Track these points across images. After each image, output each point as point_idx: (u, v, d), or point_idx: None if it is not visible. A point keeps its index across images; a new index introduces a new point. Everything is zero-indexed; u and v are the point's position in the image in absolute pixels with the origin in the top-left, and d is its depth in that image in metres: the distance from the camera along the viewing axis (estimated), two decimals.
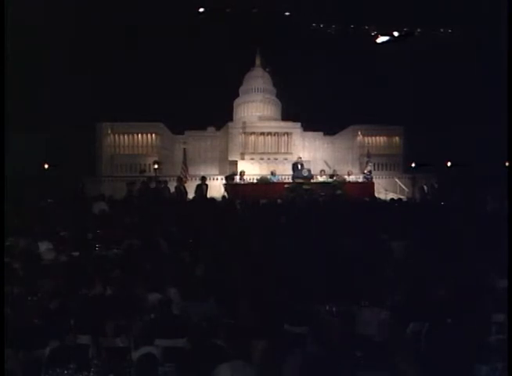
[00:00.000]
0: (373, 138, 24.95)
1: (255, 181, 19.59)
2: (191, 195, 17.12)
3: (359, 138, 24.51)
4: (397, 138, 25.22)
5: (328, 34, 25.53)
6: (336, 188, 17.89)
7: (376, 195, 19.22)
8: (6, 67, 6.71)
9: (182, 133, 24.08)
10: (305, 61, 24.42)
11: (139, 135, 22.52)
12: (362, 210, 13.04)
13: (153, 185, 16.76)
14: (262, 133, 24.11)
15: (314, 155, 24.98)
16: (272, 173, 19.58)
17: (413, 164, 23.45)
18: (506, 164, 18.32)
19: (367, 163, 21.69)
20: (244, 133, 23.98)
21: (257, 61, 25.93)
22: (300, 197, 16.60)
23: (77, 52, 21.86)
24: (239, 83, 25.96)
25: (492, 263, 6.99)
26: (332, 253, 8.10)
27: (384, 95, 23.76)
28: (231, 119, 25.48)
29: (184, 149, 21.76)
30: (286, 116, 25.23)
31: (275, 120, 25.28)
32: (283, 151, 24.14)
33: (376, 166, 23.05)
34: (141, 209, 13.02)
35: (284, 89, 24.82)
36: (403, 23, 24.88)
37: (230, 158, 23.91)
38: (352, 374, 4.23)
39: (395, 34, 24.94)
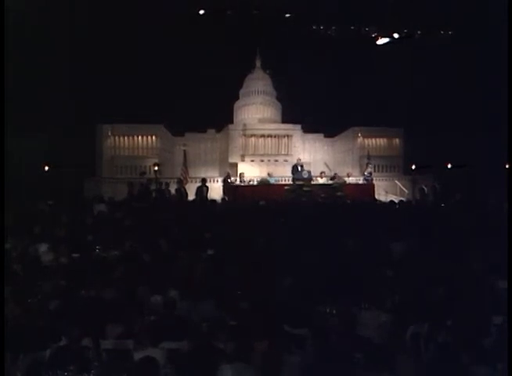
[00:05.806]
0: (373, 139, 24.90)
1: (255, 183, 19.57)
2: (191, 197, 17.13)
3: (359, 140, 24.48)
4: (397, 139, 25.16)
5: (328, 35, 25.52)
6: (336, 190, 17.89)
7: (377, 197, 19.23)
8: (6, 67, 6.72)
9: (182, 135, 24.04)
10: (306, 63, 24.40)
11: (139, 137, 22.49)
12: (362, 211, 13.04)
13: (153, 187, 16.78)
14: (262, 135, 24.09)
15: (314, 157, 24.94)
16: (269, 174, 19.53)
17: (413, 166, 23.42)
18: (506, 166, 18.35)
19: (367, 165, 21.67)
20: (244, 135, 23.97)
21: (258, 63, 25.91)
22: (300, 198, 16.60)
23: (77, 52, 21.84)
24: (240, 85, 25.96)
25: (492, 263, 6.99)
26: (332, 255, 8.10)
27: (384, 97, 23.74)
28: (231, 121, 25.46)
29: (184, 151, 21.72)
30: (286, 118, 25.23)
31: (276, 122, 25.24)
32: (283, 153, 24.10)
33: (376, 168, 23.01)
34: (141, 211, 13.03)
35: (284, 91, 24.80)
36: (404, 24, 24.87)
37: (230, 160, 23.88)
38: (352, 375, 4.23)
39: (396, 35, 24.94)
